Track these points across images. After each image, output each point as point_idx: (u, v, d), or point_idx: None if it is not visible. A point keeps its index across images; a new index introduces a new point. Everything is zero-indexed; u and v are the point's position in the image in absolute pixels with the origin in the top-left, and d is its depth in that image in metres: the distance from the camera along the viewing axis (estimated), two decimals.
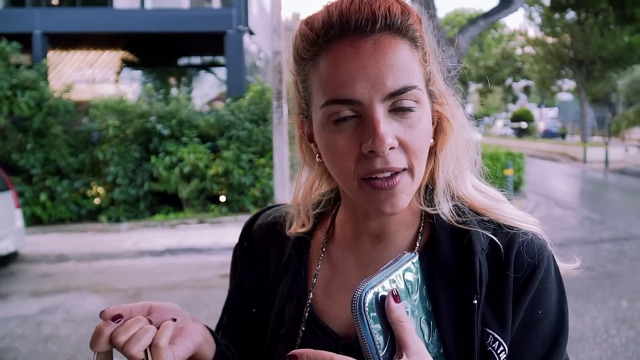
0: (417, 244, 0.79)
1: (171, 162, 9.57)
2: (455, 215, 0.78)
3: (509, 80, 43.95)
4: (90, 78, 14.27)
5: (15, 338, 4.79)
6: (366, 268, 0.81)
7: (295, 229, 0.87)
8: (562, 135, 35.68)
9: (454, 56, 0.82)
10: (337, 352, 0.73)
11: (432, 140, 0.76)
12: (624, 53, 22.54)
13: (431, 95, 0.75)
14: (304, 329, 0.80)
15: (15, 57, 10.33)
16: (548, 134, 37.00)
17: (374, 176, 0.70)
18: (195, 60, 16.71)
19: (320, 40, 0.70)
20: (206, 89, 15.81)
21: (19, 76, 9.58)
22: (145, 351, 0.66)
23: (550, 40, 26.17)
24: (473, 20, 12.83)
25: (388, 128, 0.68)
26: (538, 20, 26.19)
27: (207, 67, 16.66)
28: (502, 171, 10.93)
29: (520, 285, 0.73)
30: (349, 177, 0.71)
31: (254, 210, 9.60)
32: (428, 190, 0.81)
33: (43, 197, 9.70)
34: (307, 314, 0.81)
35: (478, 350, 0.71)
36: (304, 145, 0.84)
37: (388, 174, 0.69)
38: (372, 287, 0.61)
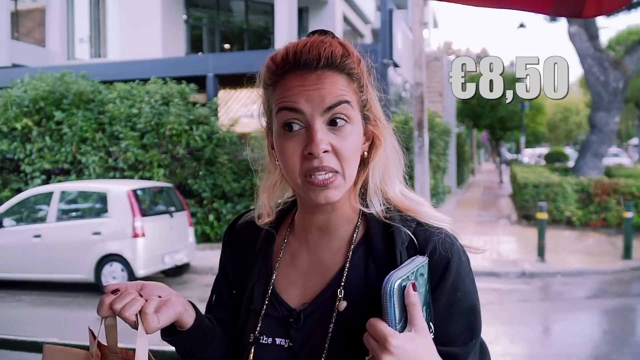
0: (354, 236, 0.96)
1: None
2: (385, 212, 0.95)
3: None
4: (253, 113, 15.75)
5: None
6: (315, 255, 0.98)
7: (262, 220, 1.04)
8: None
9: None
10: (288, 321, 0.94)
11: (366, 153, 0.95)
12: None
13: (366, 118, 0.94)
14: (267, 303, 0.97)
15: (192, 97, 11.85)
16: None
17: (312, 174, 0.87)
18: None
19: (278, 71, 0.91)
20: None
21: (195, 113, 10.91)
22: (137, 315, 0.87)
23: None
24: None
25: (324, 136, 0.87)
26: None
27: None
28: None
29: (439, 273, 0.89)
30: (295, 174, 0.89)
31: None
32: (364, 193, 0.97)
33: (211, 217, 10.86)
34: (270, 292, 0.98)
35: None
36: (269, 152, 1.01)
37: (323, 173, 0.87)
38: (399, 278, 0.78)
